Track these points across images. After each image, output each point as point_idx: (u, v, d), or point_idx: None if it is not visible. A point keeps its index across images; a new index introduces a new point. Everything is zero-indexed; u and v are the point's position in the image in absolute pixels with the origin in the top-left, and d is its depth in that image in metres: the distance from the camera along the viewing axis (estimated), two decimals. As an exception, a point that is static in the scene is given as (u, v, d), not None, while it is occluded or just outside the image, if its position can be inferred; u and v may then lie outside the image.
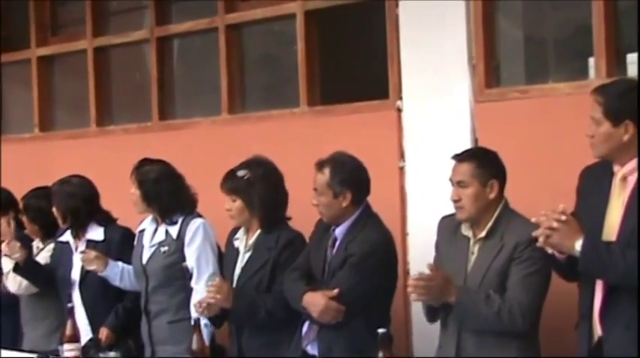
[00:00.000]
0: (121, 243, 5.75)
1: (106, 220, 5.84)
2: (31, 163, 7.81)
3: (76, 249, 5.81)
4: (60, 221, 5.85)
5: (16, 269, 5.87)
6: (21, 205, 6.20)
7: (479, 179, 4.44)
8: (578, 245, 3.81)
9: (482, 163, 4.47)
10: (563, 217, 3.85)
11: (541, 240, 3.88)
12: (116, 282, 5.63)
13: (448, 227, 4.63)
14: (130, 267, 5.62)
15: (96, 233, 5.78)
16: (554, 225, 3.83)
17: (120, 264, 5.62)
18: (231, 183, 5.17)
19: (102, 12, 7.70)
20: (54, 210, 5.84)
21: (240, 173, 5.12)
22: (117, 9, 7.79)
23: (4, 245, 5.86)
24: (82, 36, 7.71)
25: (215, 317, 5.07)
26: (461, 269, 4.47)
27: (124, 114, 7.65)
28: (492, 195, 4.44)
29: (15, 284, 6.01)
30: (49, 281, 5.94)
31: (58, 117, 8.18)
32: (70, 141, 7.72)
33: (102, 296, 5.73)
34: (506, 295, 4.31)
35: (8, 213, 6.44)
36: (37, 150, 7.93)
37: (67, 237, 5.87)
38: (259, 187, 5.09)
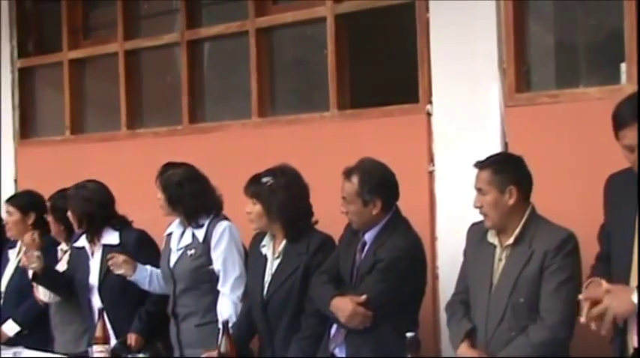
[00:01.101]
0: (136, 246, 5.78)
1: (121, 224, 5.86)
2: (62, 166, 7.84)
3: (92, 254, 5.84)
4: (75, 225, 5.89)
5: (35, 278, 5.90)
6: (48, 206, 6.23)
7: (496, 186, 4.45)
8: (635, 298, 3.78)
9: (500, 170, 4.48)
10: (605, 286, 3.85)
11: (593, 326, 3.86)
12: (145, 286, 5.65)
13: (476, 234, 4.64)
14: (158, 271, 5.64)
15: (111, 237, 5.82)
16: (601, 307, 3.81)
17: (148, 267, 5.64)
18: (254, 187, 5.19)
19: (133, 15, 7.73)
20: (69, 214, 5.87)
21: (264, 179, 5.14)
22: (148, 12, 7.81)
23: (22, 256, 5.91)
24: (114, 39, 7.74)
25: None
26: (486, 277, 4.48)
27: (155, 118, 7.66)
28: (512, 201, 4.44)
29: (45, 293, 6.06)
30: (68, 288, 5.98)
31: (89, 119, 8.21)
32: (100, 144, 7.74)
33: (122, 300, 5.75)
34: (540, 307, 4.32)
35: (29, 214, 6.49)
36: (68, 153, 7.96)
37: (82, 242, 5.91)
38: (280, 195, 5.10)
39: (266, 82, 6.71)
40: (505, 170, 4.50)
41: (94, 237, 5.84)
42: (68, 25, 8.09)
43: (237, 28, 6.87)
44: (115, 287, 5.72)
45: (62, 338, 6.13)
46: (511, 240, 4.45)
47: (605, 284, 3.89)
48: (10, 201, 6.68)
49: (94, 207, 5.82)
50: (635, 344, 3.89)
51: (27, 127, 8.52)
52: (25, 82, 8.51)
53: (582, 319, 3.89)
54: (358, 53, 6.35)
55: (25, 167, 8.32)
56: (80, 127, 8.16)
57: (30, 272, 5.96)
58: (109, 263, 5.63)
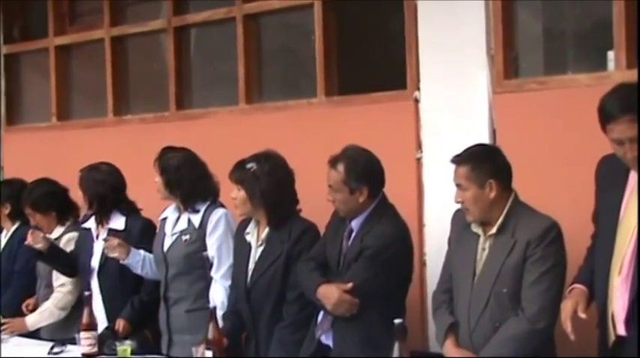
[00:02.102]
0: (140, 233, 5.76)
1: (130, 209, 5.85)
2: (49, 152, 7.82)
3: (97, 236, 5.83)
4: (86, 206, 5.86)
5: (40, 257, 5.88)
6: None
7: (475, 181, 4.43)
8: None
9: (477, 165, 4.45)
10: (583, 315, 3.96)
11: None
12: (137, 270, 5.64)
13: (460, 221, 4.63)
14: (152, 256, 5.64)
15: (118, 222, 5.81)
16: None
17: (142, 252, 5.63)
18: (238, 173, 5.19)
19: (119, 1, 7.70)
20: (82, 195, 5.84)
21: (248, 165, 5.13)
22: (134, -1, 7.79)
23: (28, 236, 5.88)
24: (100, 25, 7.71)
25: None
26: (469, 266, 4.48)
27: (141, 104, 7.64)
28: (493, 195, 4.42)
29: None
30: (73, 268, 5.96)
31: (75, 106, 8.19)
32: (87, 131, 7.72)
33: (120, 285, 5.75)
34: (522, 297, 4.32)
35: (5, 205, 6.49)
36: (54, 139, 7.94)
37: (90, 223, 5.89)
38: (263, 181, 5.09)
39: (253, 69, 6.70)
40: (483, 164, 4.45)
41: (102, 220, 5.83)
42: (54, 11, 8.05)
43: (224, 14, 6.85)
44: (115, 273, 5.71)
45: (49, 325, 6.10)
46: (494, 230, 4.44)
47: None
48: None
49: (106, 189, 5.81)
50: (620, 333, 3.89)
51: (13, 114, 8.49)
52: (11, 68, 8.48)
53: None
54: (346, 40, 6.34)
55: (11, 154, 8.29)
56: (66, 114, 8.13)
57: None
58: (104, 245, 5.62)
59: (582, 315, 3.96)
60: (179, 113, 7.11)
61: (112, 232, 5.76)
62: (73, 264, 5.96)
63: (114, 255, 5.60)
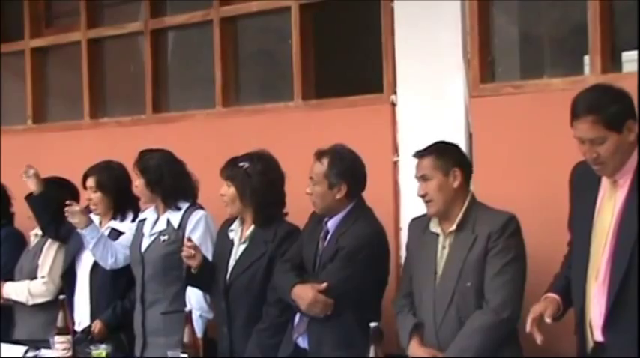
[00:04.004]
0: None
1: (137, 207, 5.82)
2: (25, 155, 7.75)
3: None
4: (109, 205, 5.82)
5: (29, 198, 5.87)
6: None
7: (440, 169, 4.53)
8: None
9: (441, 154, 4.57)
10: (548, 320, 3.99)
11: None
12: (89, 246, 5.61)
13: (417, 227, 4.73)
14: (111, 242, 5.64)
15: (123, 223, 5.80)
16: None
17: (102, 232, 5.63)
18: (229, 170, 5.20)
19: (96, 3, 7.68)
20: (98, 196, 5.80)
21: (241, 163, 5.14)
22: (111, 1, 7.77)
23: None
24: (77, 27, 7.68)
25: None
26: (430, 266, 4.54)
27: (118, 107, 7.63)
28: (456, 184, 4.52)
29: (18, 292, 6.05)
30: (58, 225, 5.94)
31: (51, 109, 8.16)
32: (63, 133, 7.69)
33: (108, 287, 5.74)
34: (485, 289, 4.37)
35: None
36: (30, 142, 7.90)
37: (94, 218, 5.84)
38: (255, 180, 5.10)
39: (230, 72, 6.70)
40: (447, 154, 4.58)
41: (123, 216, 5.84)
42: (30, 13, 8.02)
43: (201, 17, 6.85)
44: (107, 272, 5.69)
45: (27, 326, 6.08)
46: (454, 227, 4.50)
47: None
48: None
49: (126, 185, 5.82)
50: (598, 339, 3.91)
51: (-12, 116, 8.44)
52: (-14, 70, 8.44)
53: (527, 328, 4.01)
54: (323, 43, 6.35)
55: (-14, 156, 8.25)
56: (43, 116, 8.10)
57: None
58: (65, 210, 5.59)
59: (547, 320, 3.99)
60: (156, 116, 7.10)
61: (115, 232, 5.76)
62: (59, 221, 5.91)
63: (74, 220, 5.58)
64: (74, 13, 7.73)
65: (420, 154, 4.61)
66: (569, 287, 4.06)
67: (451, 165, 4.53)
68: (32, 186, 5.88)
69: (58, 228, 5.97)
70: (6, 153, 7.88)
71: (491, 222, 4.42)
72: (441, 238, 4.55)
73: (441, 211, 4.53)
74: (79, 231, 5.62)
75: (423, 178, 4.56)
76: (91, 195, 5.85)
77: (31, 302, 5.99)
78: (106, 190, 5.82)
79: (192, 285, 5.24)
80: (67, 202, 5.65)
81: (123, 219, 5.83)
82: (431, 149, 4.61)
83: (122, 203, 5.83)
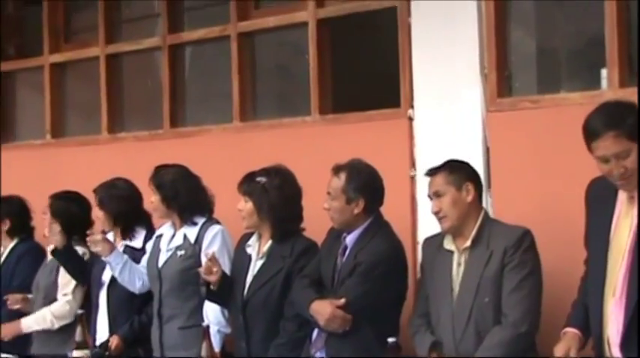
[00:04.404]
0: None
1: (150, 224, 5.84)
2: (43, 169, 7.81)
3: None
4: (110, 225, 5.84)
5: (54, 253, 5.87)
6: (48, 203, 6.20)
7: (453, 184, 4.56)
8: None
9: (453, 170, 4.61)
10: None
11: None
12: (115, 273, 5.62)
13: (431, 246, 4.74)
14: (136, 265, 5.64)
15: (136, 240, 5.80)
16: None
17: (125, 256, 5.63)
18: (247, 185, 5.21)
19: (114, 19, 7.72)
20: (102, 214, 5.83)
21: (258, 178, 5.15)
22: (129, 16, 7.80)
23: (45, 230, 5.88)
24: (95, 43, 7.72)
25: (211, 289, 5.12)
26: (447, 284, 4.54)
27: (136, 122, 7.65)
28: (470, 198, 4.54)
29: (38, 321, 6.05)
30: (83, 274, 5.94)
31: (70, 123, 8.18)
32: (81, 148, 7.72)
33: (127, 302, 5.73)
34: (502, 304, 4.37)
35: (4, 221, 6.48)
36: (48, 157, 7.93)
37: (109, 237, 5.86)
38: (272, 195, 5.11)
39: (248, 87, 6.71)
40: (459, 169, 4.62)
41: (127, 235, 5.83)
42: (49, 29, 8.06)
43: (218, 32, 6.87)
44: (124, 289, 5.69)
45: (45, 341, 6.08)
46: (468, 243, 4.51)
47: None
48: None
49: (128, 205, 5.82)
50: (616, 355, 3.88)
51: (7, 131, 8.49)
52: (5, 85, 8.48)
53: None
54: (340, 58, 6.36)
55: (5, 171, 8.26)
56: (61, 131, 8.13)
57: (50, 248, 5.97)
58: (87, 239, 5.61)
59: None
60: (173, 131, 7.11)
61: (129, 249, 5.76)
62: (83, 270, 5.93)
63: (96, 249, 5.60)
64: (93, 28, 7.76)
65: (431, 172, 4.64)
66: (588, 317, 4.04)
67: (464, 180, 4.56)
68: (56, 243, 5.87)
69: (85, 273, 5.97)
70: (25, 168, 7.93)
71: (507, 237, 4.43)
72: (455, 255, 4.55)
73: (455, 226, 4.53)
74: (103, 258, 5.62)
75: (436, 194, 4.57)
76: (97, 213, 5.88)
77: (57, 326, 5.97)
78: (107, 209, 5.84)
79: (212, 301, 5.25)
80: (88, 232, 5.69)
81: (132, 237, 5.83)
82: (442, 166, 4.64)
83: (126, 221, 5.82)
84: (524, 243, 4.42)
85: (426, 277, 4.73)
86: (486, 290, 4.39)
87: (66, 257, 5.90)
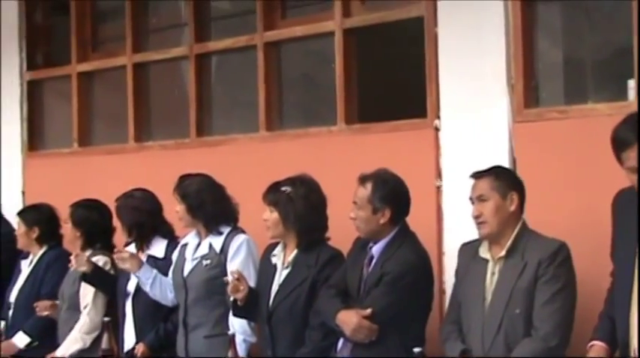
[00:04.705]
0: None
1: (170, 236, 5.86)
2: (70, 178, 7.85)
3: None
4: (126, 235, 5.89)
5: (85, 278, 5.90)
6: (68, 212, 6.23)
7: (498, 191, 4.53)
8: None
9: (499, 176, 4.58)
10: None
11: None
12: (146, 287, 5.64)
13: (467, 253, 4.71)
14: (165, 278, 5.65)
15: (158, 249, 5.83)
16: None
17: (154, 271, 5.65)
18: (272, 195, 5.22)
19: (142, 28, 7.75)
20: (120, 224, 5.87)
21: (283, 187, 5.16)
22: (156, 26, 7.83)
23: (72, 258, 5.91)
24: (122, 52, 7.76)
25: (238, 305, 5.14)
26: (480, 292, 4.52)
27: (162, 130, 7.68)
28: (513, 208, 4.52)
29: None
30: (115, 290, 5.97)
31: (96, 132, 8.22)
32: (108, 157, 7.75)
33: (152, 311, 5.75)
34: (534, 317, 4.35)
35: (33, 229, 6.52)
36: (75, 165, 7.97)
37: (130, 248, 5.89)
38: (298, 204, 5.12)
39: (274, 96, 6.72)
40: (505, 177, 4.60)
41: (142, 245, 5.85)
42: (77, 38, 8.10)
43: (245, 41, 6.88)
44: (149, 298, 5.71)
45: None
46: (503, 253, 4.49)
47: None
48: (19, 213, 6.77)
49: (143, 215, 5.83)
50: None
51: (35, 139, 8.52)
52: (33, 94, 8.52)
53: None
54: (366, 67, 6.36)
55: (32, 179, 8.33)
56: (88, 140, 8.17)
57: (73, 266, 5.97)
58: (115, 257, 5.64)
59: None
60: (200, 140, 7.13)
61: (152, 259, 5.78)
62: (115, 287, 5.96)
63: (125, 266, 5.62)
64: (120, 37, 7.80)
65: (477, 175, 4.61)
66: (614, 329, 4.03)
67: (509, 189, 4.54)
68: (85, 269, 5.89)
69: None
70: (52, 176, 7.97)
71: (542, 250, 4.40)
72: (490, 264, 4.53)
73: (493, 234, 4.51)
74: (133, 275, 5.65)
75: (479, 199, 4.55)
76: (117, 222, 5.92)
77: (89, 342, 5.97)
78: (122, 219, 5.89)
79: (239, 317, 5.25)
80: (115, 250, 5.73)
81: (146, 248, 5.84)
82: (489, 171, 4.62)
83: (141, 231, 5.84)
84: (559, 256, 4.39)
85: (459, 284, 4.71)
86: (518, 301, 4.37)
87: (96, 280, 5.93)
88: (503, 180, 4.55)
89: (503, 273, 4.46)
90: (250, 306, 5.14)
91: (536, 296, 4.35)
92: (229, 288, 5.09)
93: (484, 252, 4.57)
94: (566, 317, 4.36)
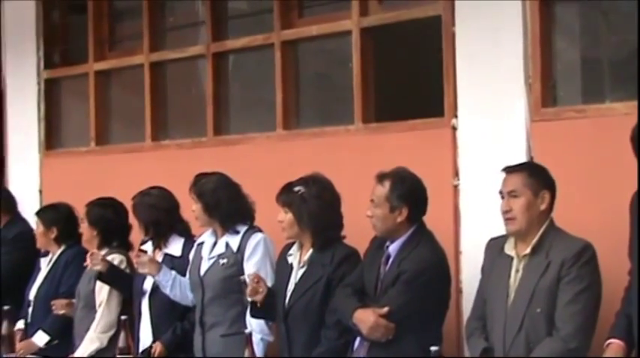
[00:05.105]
0: None
1: (187, 232, 5.87)
2: (87, 177, 7.87)
3: None
4: (143, 233, 5.91)
5: (100, 277, 5.91)
6: (84, 211, 6.25)
7: (531, 188, 4.49)
8: None
9: (533, 174, 4.54)
10: None
11: None
12: (167, 290, 5.65)
13: (494, 248, 4.67)
14: (184, 279, 5.66)
15: (175, 247, 5.84)
16: None
17: (173, 272, 5.66)
18: (285, 196, 5.21)
19: (159, 27, 7.76)
20: (137, 222, 5.89)
21: (296, 188, 5.16)
22: (173, 24, 7.85)
23: (88, 257, 5.94)
24: (139, 51, 7.77)
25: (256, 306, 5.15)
26: (503, 288, 4.50)
27: (179, 129, 7.69)
28: (543, 206, 4.48)
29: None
30: (131, 289, 5.99)
31: (114, 131, 8.24)
32: (125, 156, 7.77)
33: (169, 310, 5.76)
34: (556, 317, 4.32)
35: (51, 229, 6.54)
36: (93, 164, 8.00)
37: (147, 246, 5.91)
38: (311, 204, 5.12)
39: (291, 95, 6.72)
40: (539, 174, 4.54)
41: (160, 243, 5.86)
42: (94, 37, 8.12)
43: (262, 40, 6.89)
44: (166, 296, 5.71)
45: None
46: (528, 250, 4.46)
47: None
48: (37, 213, 6.80)
49: (160, 213, 5.84)
50: None
51: (52, 138, 8.56)
52: (51, 93, 8.56)
53: None
54: (383, 66, 6.36)
55: (50, 178, 8.36)
56: (105, 138, 8.19)
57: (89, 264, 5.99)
58: (134, 261, 5.65)
59: None
60: (217, 139, 7.14)
61: (168, 257, 5.79)
62: (131, 286, 5.98)
63: (144, 270, 5.64)
64: (137, 36, 7.82)
65: (510, 169, 4.56)
66: (631, 327, 4.02)
67: (542, 187, 4.50)
68: (101, 268, 5.90)
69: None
70: (70, 175, 8.00)
71: (566, 249, 4.36)
72: (515, 261, 4.51)
73: (522, 231, 4.48)
74: (153, 278, 5.66)
75: (510, 194, 4.50)
76: (133, 219, 5.95)
77: (106, 341, 5.98)
78: (139, 216, 5.90)
79: (258, 318, 5.26)
80: (134, 254, 5.74)
81: (163, 246, 5.85)
82: (523, 166, 4.59)
83: (157, 229, 5.85)
84: (583, 256, 4.34)
85: (485, 280, 4.68)
86: (539, 300, 4.34)
87: (112, 279, 5.94)
88: (536, 178, 4.50)
89: (527, 271, 4.44)
90: (268, 307, 5.14)
91: (559, 297, 4.32)
92: (248, 291, 5.09)
93: (509, 248, 4.55)
94: (588, 318, 4.31)
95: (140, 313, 5.82)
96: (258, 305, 5.12)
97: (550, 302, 4.34)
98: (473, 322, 4.68)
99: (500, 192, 4.56)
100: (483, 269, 4.73)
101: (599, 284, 4.37)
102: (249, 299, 5.14)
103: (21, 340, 6.23)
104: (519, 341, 4.38)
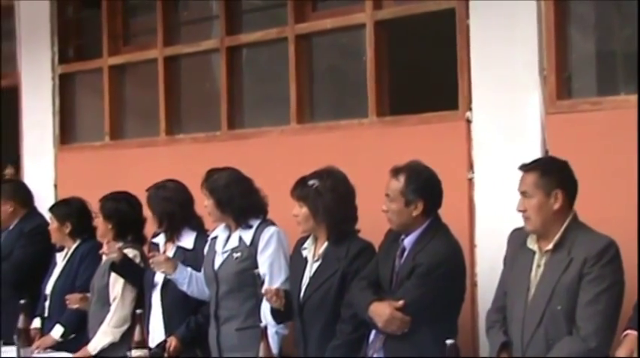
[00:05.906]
0: None
1: (200, 225, 5.88)
2: (102, 171, 7.89)
3: (164, 253, 5.83)
4: (156, 225, 5.92)
5: (113, 267, 5.93)
6: (98, 205, 6.27)
7: (542, 189, 4.43)
8: None
9: (546, 173, 4.46)
10: None
11: None
12: (184, 287, 5.66)
13: (516, 240, 4.62)
14: (199, 274, 5.66)
15: (187, 240, 5.83)
16: None
17: (189, 269, 5.66)
18: (300, 190, 5.21)
19: (172, 22, 7.77)
20: (151, 214, 5.90)
21: (310, 182, 5.16)
22: (187, 19, 7.86)
23: (104, 246, 5.95)
24: (153, 45, 7.78)
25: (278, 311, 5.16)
26: (524, 283, 4.46)
27: (193, 123, 7.70)
28: (557, 206, 4.42)
29: None
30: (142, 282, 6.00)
31: (128, 125, 8.26)
32: (139, 150, 7.79)
33: (181, 303, 5.75)
34: (577, 316, 4.28)
35: (65, 224, 6.55)
36: (107, 158, 8.02)
37: (159, 239, 5.92)
38: (326, 198, 5.11)
39: (305, 89, 6.72)
40: (551, 173, 4.47)
41: (172, 236, 5.86)
42: (108, 32, 8.14)
43: (276, 34, 6.89)
44: (178, 289, 5.72)
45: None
46: (550, 246, 4.42)
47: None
48: (51, 208, 6.79)
49: (174, 206, 5.84)
50: None
51: (67, 133, 8.58)
52: (65, 87, 8.58)
53: None
54: (397, 59, 6.35)
55: (64, 172, 8.38)
56: (119, 133, 8.21)
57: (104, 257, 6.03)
58: (150, 261, 5.66)
59: None
60: (231, 133, 7.15)
61: (181, 250, 5.80)
62: (142, 279, 5.97)
63: (160, 269, 5.64)
64: (151, 31, 7.83)
65: (524, 168, 4.52)
66: None
67: (554, 186, 4.42)
68: (115, 258, 5.91)
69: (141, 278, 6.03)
70: (84, 169, 8.02)
71: (589, 247, 4.30)
72: (537, 256, 4.47)
73: (538, 230, 4.45)
74: (169, 277, 5.66)
75: (523, 194, 4.48)
76: (147, 213, 5.96)
77: (119, 336, 5.98)
78: (153, 209, 5.89)
79: (280, 322, 5.27)
80: (150, 254, 5.74)
81: (176, 239, 5.85)
82: (536, 165, 4.54)
83: (171, 222, 5.84)
84: (607, 255, 4.28)
85: (507, 272, 4.64)
86: (560, 297, 4.30)
87: (125, 270, 5.95)
88: (548, 177, 4.43)
89: (549, 267, 4.39)
90: (288, 306, 5.15)
91: (580, 295, 4.27)
92: (267, 297, 5.10)
93: (531, 242, 4.51)
94: (609, 318, 4.25)
95: (150, 306, 5.82)
96: (282, 309, 5.13)
97: (571, 300, 4.29)
98: (493, 314, 4.66)
99: (519, 190, 4.54)
100: (505, 261, 4.70)
101: (622, 282, 4.31)
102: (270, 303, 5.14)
103: (37, 337, 6.25)
104: (538, 336, 4.35)
